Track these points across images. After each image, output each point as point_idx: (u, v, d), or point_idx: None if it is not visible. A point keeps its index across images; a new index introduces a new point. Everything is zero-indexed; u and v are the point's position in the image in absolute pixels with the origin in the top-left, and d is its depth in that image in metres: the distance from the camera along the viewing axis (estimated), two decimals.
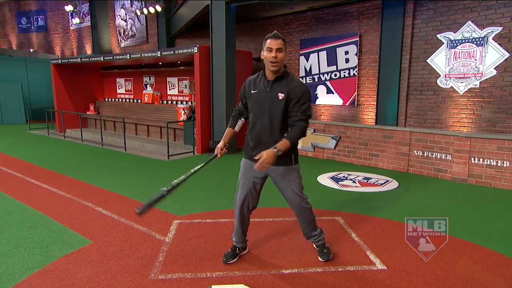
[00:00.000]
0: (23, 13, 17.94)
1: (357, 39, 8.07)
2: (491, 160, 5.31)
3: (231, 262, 2.89)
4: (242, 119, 2.92)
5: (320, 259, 2.93)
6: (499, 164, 5.25)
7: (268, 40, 2.53)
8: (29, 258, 2.96)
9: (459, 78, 6.86)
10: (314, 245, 3.03)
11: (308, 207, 2.84)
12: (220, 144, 2.84)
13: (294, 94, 2.54)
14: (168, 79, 10.48)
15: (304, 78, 9.09)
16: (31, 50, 17.67)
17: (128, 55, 9.33)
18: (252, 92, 2.69)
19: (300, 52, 9.08)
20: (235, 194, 2.88)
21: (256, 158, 2.47)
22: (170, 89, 10.55)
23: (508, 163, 5.17)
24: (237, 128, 2.93)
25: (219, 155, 2.85)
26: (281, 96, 2.56)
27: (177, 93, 10.34)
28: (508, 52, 6.27)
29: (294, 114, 2.55)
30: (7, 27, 18.40)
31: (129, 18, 14.76)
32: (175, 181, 2.78)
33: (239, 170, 2.87)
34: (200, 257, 2.98)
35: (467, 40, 6.69)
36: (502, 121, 6.49)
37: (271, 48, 2.50)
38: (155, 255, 3.02)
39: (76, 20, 15.83)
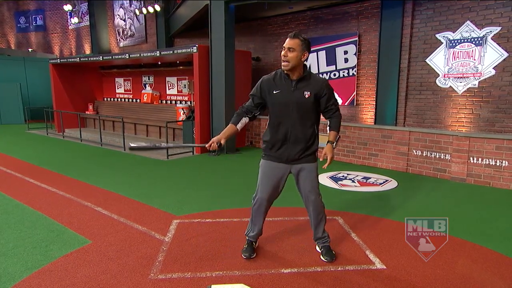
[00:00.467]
0: (21, 13, 17.90)
1: (356, 39, 8.08)
2: (490, 160, 5.32)
3: (253, 256, 2.96)
4: (247, 118, 2.88)
5: (323, 259, 2.93)
6: (497, 164, 5.27)
7: (287, 40, 2.60)
8: (29, 258, 2.96)
9: (458, 78, 6.87)
10: (319, 247, 3.03)
11: (323, 205, 2.92)
12: (216, 138, 2.72)
13: (322, 91, 2.66)
14: (167, 78, 10.47)
15: None
16: (30, 49, 17.63)
17: (127, 54, 9.32)
18: (275, 92, 2.69)
19: None
20: (255, 195, 2.91)
21: (321, 157, 2.69)
22: (169, 89, 10.54)
23: (506, 162, 5.19)
24: (239, 126, 2.86)
25: (207, 146, 2.71)
26: (307, 94, 2.64)
27: (176, 93, 10.33)
28: (507, 52, 6.29)
29: (329, 108, 2.74)
30: (6, 26, 18.35)
31: (128, 18, 14.75)
32: (168, 144, 2.80)
33: (259, 171, 2.89)
34: (199, 257, 2.98)
35: (466, 40, 6.70)
36: (501, 121, 6.51)
37: (284, 47, 2.58)
38: (154, 254, 3.02)
39: (75, 20, 15.81)
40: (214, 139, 2.73)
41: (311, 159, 2.81)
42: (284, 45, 2.59)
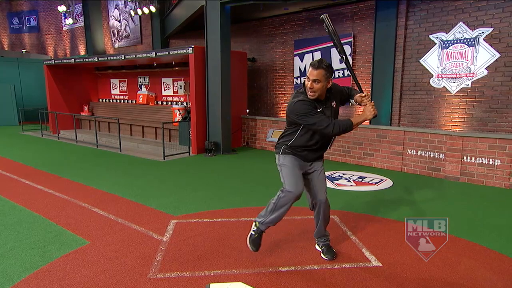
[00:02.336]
0: (14, 13, 17.76)
1: (351, 39, 8.15)
2: (483, 159, 5.41)
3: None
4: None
5: (324, 257, 2.98)
6: (490, 163, 5.35)
7: (310, 69, 2.59)
8: (27, 258, 2.96)
9: (451, 78, 6.97)
10: (320, 245, 3.08)
11: (329, 204, 2.99)
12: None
13: (337, 94, 2.96)
14: (163, 79, 10.46)
15: (298, 79, 9.15)
16: (24, 50, 17.50)
17: (122, 55, 9.30)
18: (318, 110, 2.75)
19: (295, 53, 9.14)
20: (285, 188, 2.82)
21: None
22: (165, 90, 10.52)
23: (499, 161, 5.27)
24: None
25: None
26: (334, 105, 2.88)
27: (172, 94, 10.32)
28: (499, 53, 6.39)
29: (345, 91, 3.10)
30: None
31: (123, 19, 14.70)
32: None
33: (282, 168, 2.89)
34: (198, 256, 3.01)
35: (459, 41, 6.80)
36: (494, 120, 6.61)
37: (309, 78, 2.58)
38: (153, 254, 3.04)
39: (69, 21, 15.73)
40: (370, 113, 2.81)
41: (323, 158, 3.01)
42: (308, 75, 2.59)
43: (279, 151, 2.89)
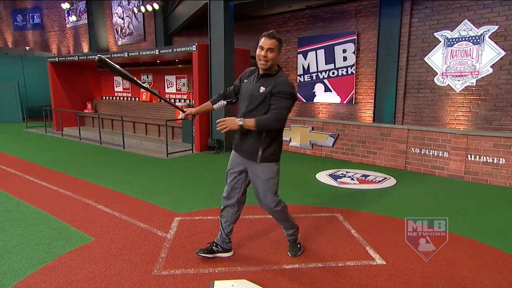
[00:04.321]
0: (18, 11, 17.80)
1: (355, 37, 8.12)
2: (487, 157, 5.38)
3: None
4: (225, 101, 2.97)
5: (288, 253, 3.03)
6: (495, 161, 5.33)
7: (262, 39, 2.57)
8: (33, 255, 2.98)
9: (456, 76, 6.93)
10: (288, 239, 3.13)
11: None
12: (193, 109, 2.92)
13: (278, 89, 2.53)
14: (166, 77, 10.47)
15: (302, 76, 9.13)
16: (27, 48, 17.55)
17: (126, 53, 9.31)
18: (244, 81, 2.78)
19: (298, 51, 9.11)
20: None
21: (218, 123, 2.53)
22: (168, 87, 10.54)
23: (504, 160, 5.25)
24: (216, 106, 2.99)
25: (182, 116, 2.94)
26: (262, 89, 2.57)
27: (175, 91, 10.33)
28: (504, 51, 6.34)
29: (272, 106, 2.54)
30: (2, 24, 18.24)
31: (126, 16, 14.70)
32: (126, 73, 2.73)
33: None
34: None
35: (463, 39, 6.75)
36: (498, 119, 6.58)
37: (262, 47, 2.54)
38: (157, 251, 3.05)
39: (72, 18, 15.75)
40: (192, 110, 2.91)
41: (255, 158, 2.68)
42: (261, 44, 2.53)
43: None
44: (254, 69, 2.76)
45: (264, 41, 2.55)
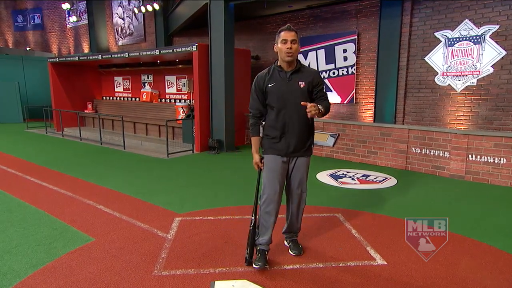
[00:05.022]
0: (19, 11, 17.82)
1: (355, 37, 8.11)
2: (488, 157, 5.37)
3: (267, 267, 2.78)
4: (263, 123, 2.86)
5: (292, 253, 3.02)
6: (496, 161, 5.31)
7: (282, 33, 2.64)
8: (33, 255, 2.98)
9: (457, 76, 6.92)
10: (288, 241, 3.12)
11: (305, 202, 3.00)
12: (257, 158, 2.82)
13: (315, 81, 2.73)
14: (167, 77, 10.47)
15: None
16: (28, 48, 17.56)
17: (126, 53, 9.31)
18: (270, 86, 2.72)
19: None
20: (262, 193, 2.81)
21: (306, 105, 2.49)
22: (168, 88, 10.54)
23: (505, 160, 5.24)
24: (261, 134, 2.87)
25: (257, 168, 2.87)
26: (302, 84, 2.69)
27: (175, 92, 10.34)
28: (505, 50, 6.33)
29: (319, 94, 2.75)
30: (3, 25, 18.27)
31: (127, 17, 14.71)
32: None
33: (265, 168, 2.81)
34: (202, 254, 3.01)
35: (464, 38, 6.74)
36: (499, 119, 6.56)
37: (286, 40, 2.61)
38: (158, 251, 3.05)
39: (73, 18, 15.75)
40: (257, 160, 2.82)
41: (306, 153, 2.84)
42: (284, 38, 2.60)
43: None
44: (268, 70, 2.77)
45: (285, 34, 2.62)
